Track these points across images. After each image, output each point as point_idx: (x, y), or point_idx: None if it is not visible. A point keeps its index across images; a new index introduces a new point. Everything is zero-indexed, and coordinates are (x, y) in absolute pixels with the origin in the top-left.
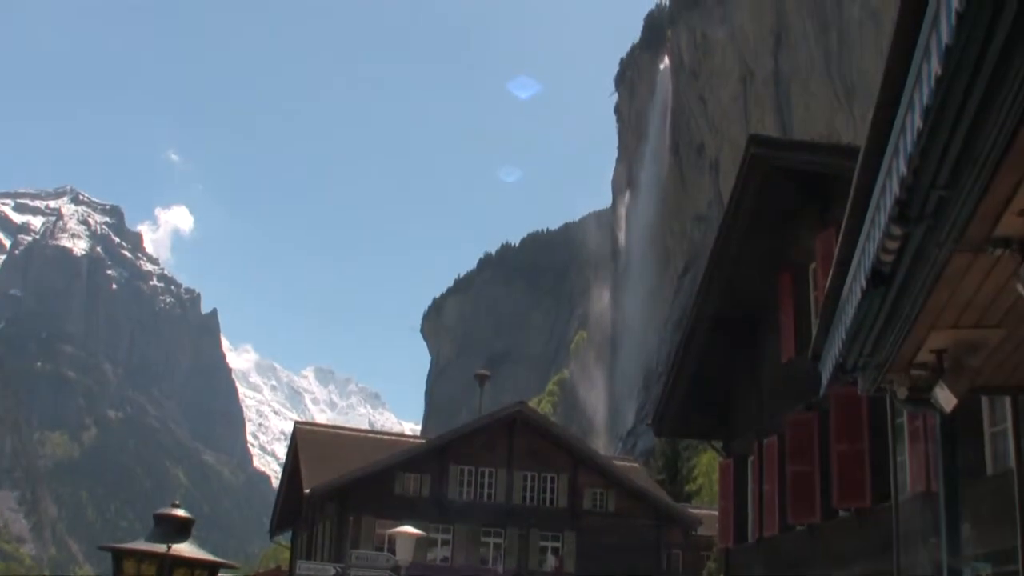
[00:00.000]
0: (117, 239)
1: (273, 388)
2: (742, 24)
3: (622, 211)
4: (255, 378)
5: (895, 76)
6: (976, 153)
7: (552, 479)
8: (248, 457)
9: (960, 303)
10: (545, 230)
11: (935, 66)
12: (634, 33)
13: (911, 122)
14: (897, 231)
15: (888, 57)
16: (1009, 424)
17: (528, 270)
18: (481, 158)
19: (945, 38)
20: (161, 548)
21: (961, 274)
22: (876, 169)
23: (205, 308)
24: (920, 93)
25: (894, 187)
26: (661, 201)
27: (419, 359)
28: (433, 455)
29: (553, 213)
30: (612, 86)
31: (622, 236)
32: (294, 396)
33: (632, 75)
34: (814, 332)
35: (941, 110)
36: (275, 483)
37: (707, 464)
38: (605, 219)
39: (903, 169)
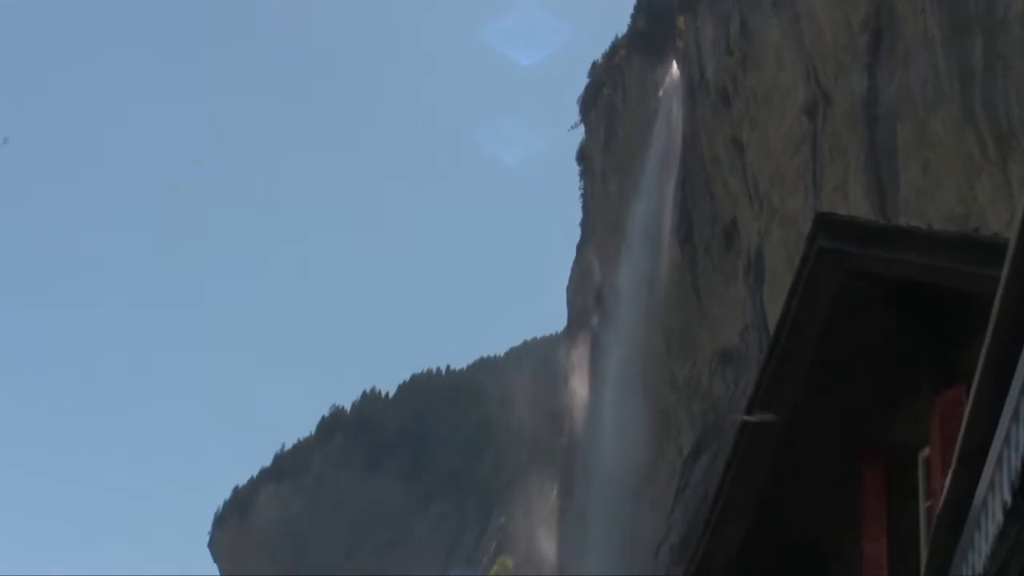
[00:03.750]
0: None
1: None
2: (812, 11)
3: (583, 343)
4: None
5: None
6: None
7: None
8: None
9: None
10: (440, 371)
11: None
12: (618, 21)
13: None
14: None
15: None
16: None
17: (407, 443)
18: (335, 227)
19: None
20: None
21: None
22: None
23: None
24: None
25: None
26: (656, 325)
27: None
28: None
29: (457, 341)
30: (574, 114)
31: (582, 387)
32: None
33: (612, 95)
34: (923, 572)
35: None
36: None
37: None
38: (549, 354)
39: None
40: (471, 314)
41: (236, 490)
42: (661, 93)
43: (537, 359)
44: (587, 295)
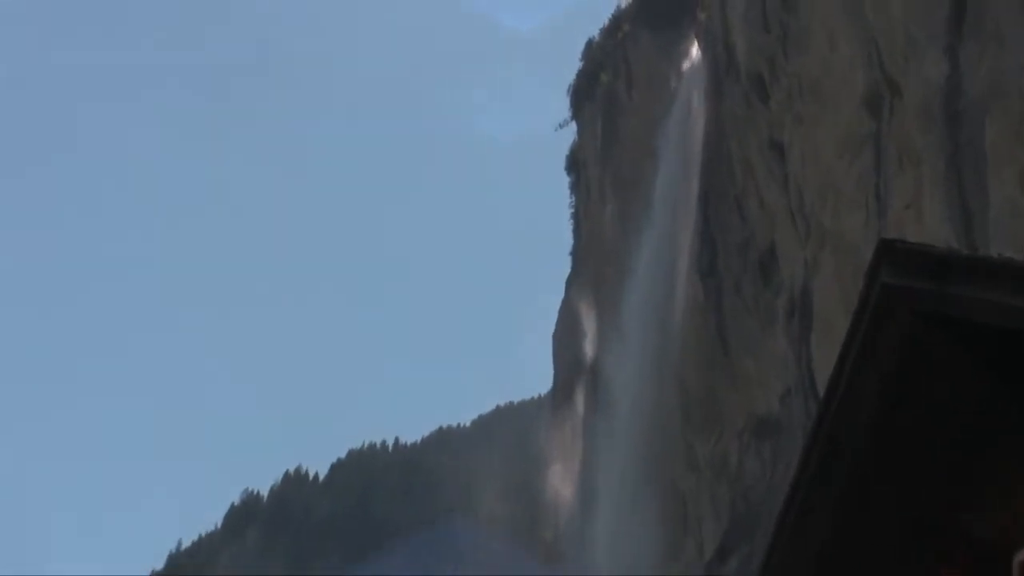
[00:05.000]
0: None
1: None
2: None
3: (573, 411)
4: None
5: None
6: None
7: None
8: None
9: None
10: (387, 445)
11: None
12: None
13: None
14: None
15: None
16: None
17: (343, 537)
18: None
19: None
20: None
21: None
22: None
23: None
24: None
25: None
26: (671, 387)
27: None
28: None
29: (409, 408)
30: (565, 109)
31: (569, 473)
32: None
33: (612, 83)
34: None
35: None
36: None
37: None
38: (530, 423)
39: None
40: (428, 372)
41: None
42: (677, 81)
43: (514, 430)
44: (578, 346)
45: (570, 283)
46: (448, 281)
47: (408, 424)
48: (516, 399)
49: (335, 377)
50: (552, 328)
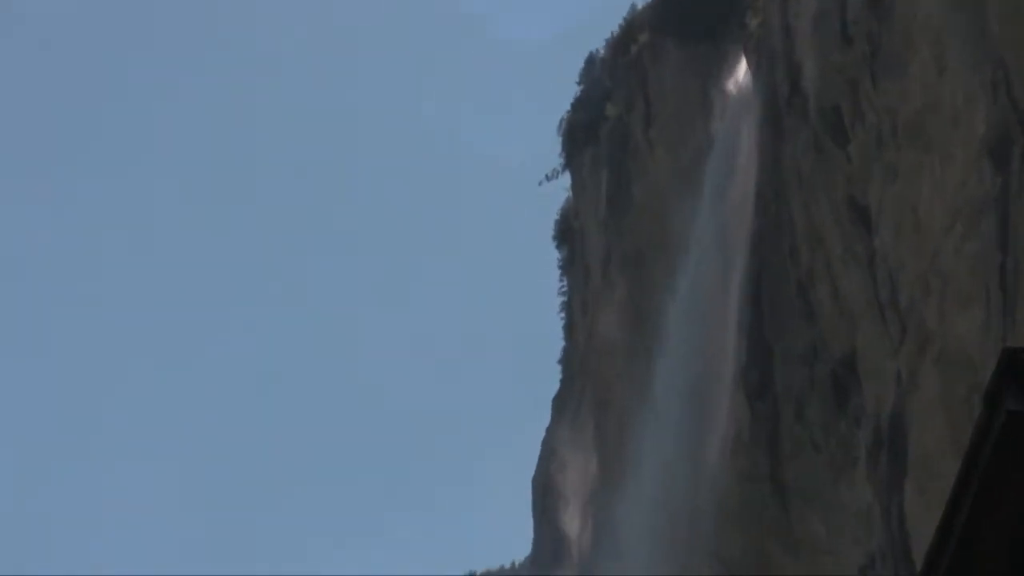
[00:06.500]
0: None
1: None
2: None
3: None
4: None
5: None
6: None
7: None
8: None
9: None
10: None
11: None
12: None
13: None
14: None
15: None
16: None
17: None
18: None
19: None
20: None
21: None
22: None
23: None
24: None
25: None
26: (702, 549)
27: None
28: None
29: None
30: (555, 154)
31: None
32: None
33: (624, 118)
34: None
35: None
36: None
37: None
38: None
39: None
40: (365, 535)
41: None
42: (717, 115)
43: None
44: (568, 495)
45: (558, 404)
46: (385, 384)
47: None
48: (479, 568)
49: (238, 554)
50: (531, 467)
